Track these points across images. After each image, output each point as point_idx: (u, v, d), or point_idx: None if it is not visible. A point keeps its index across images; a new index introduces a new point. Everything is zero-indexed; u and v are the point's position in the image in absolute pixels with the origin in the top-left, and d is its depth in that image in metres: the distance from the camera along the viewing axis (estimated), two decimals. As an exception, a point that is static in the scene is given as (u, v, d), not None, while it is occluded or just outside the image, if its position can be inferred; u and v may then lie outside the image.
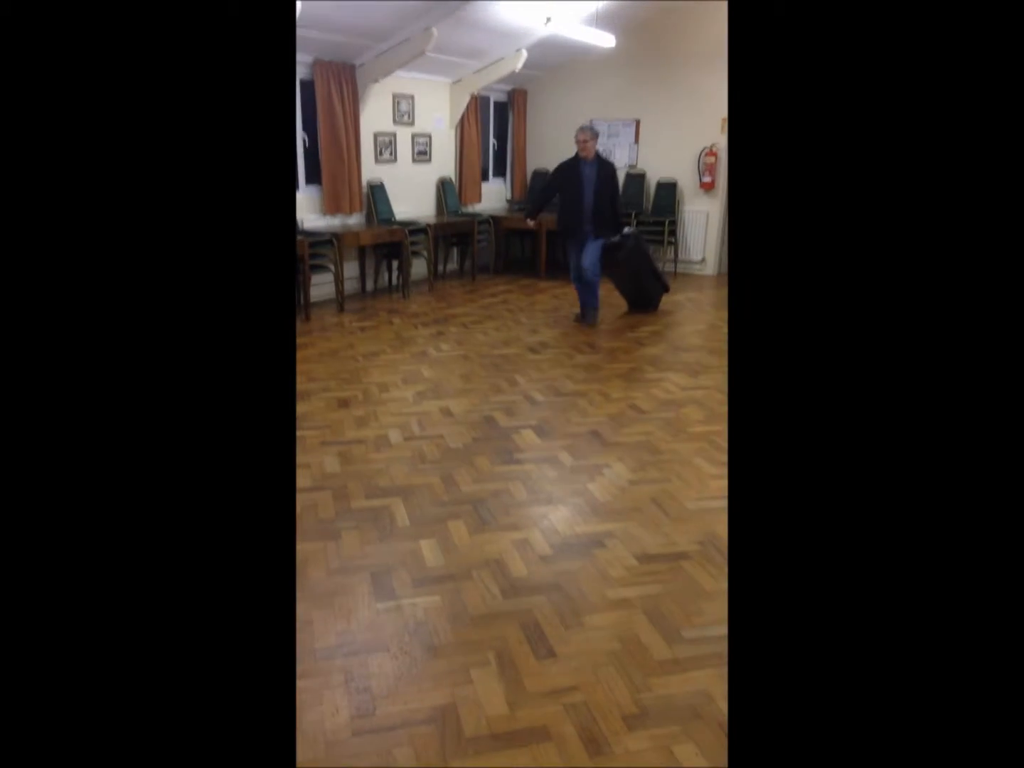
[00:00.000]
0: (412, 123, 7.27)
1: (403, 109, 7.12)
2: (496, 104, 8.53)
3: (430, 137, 7.53)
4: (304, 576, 2.32)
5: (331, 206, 6.40)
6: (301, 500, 2.84)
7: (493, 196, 8.61)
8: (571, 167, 5.42)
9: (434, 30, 5.88)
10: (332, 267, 6.05)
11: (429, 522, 2.70)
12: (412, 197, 7.39)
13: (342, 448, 3.37)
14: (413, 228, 6.75)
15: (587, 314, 5.77)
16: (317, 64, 6.00)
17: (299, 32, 5.08)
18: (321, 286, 6.32)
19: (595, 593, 2.27)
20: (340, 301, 6.22)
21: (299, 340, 5.24)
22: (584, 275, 5.57)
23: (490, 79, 7.41)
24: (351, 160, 6.44)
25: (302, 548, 2.49)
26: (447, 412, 3.87)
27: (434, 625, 2.10)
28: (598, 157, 5.41)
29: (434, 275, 7.32)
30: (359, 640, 2.03)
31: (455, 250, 8.05)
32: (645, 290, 6.15)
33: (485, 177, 8.52)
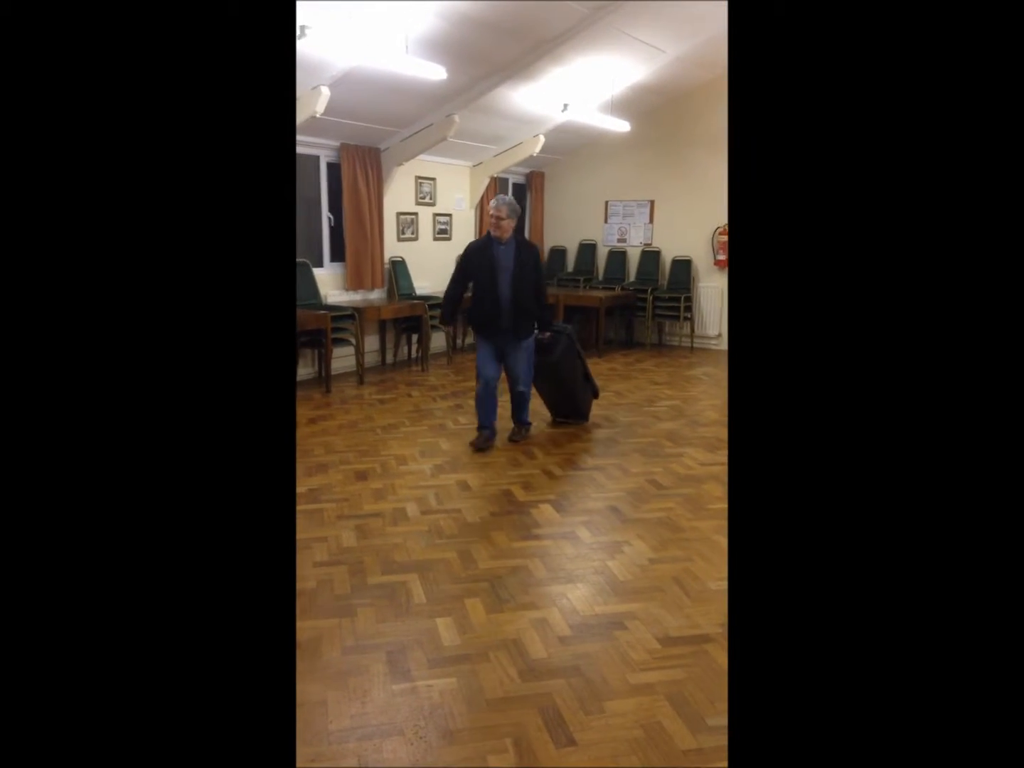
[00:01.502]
0: (434, 203, 7.52)
1: (425, 190, 7.38)
2: (515, 185, 8.82)
3: (451, 217, 7.78)
4: (318, 655, 2.27)
5: (354, 282, 6.57)
6: (317, 575, 2.81)
7: (511, 272, 8.80)
8: (482, 250, 4.31)
9: (456, 117, 6.16)
10: (353, 340, 6.17)
11: (446, 599, 2.65)
12: (432, 273, 7.58)
13: (359, 521, 3.35)
14: (433, 302, 6.89)
15: (483, 436, 4.51)
16: (344, 148, 6.27)
17: (328, 118, 5.34)
18: (342, 359, 6.42)
19: (616, 677, 2.20)
20: (360, 374, 6.30)
21: (319, 412, 5.29)
22: (514, 388, 4.51)
23: (509, 162, 7.70)
24: (374, 238, 6.64)
25: (317, 625, 2.45)
26: (464, 486, 3.85)
27: (450, 708, 2.03)
28: (516, 238, 4.30)
29: (453, 348, 7.42)
30: (373, 723, 1.97)
31: (473, 324, 8.17)
32: (575, 397, 4.94)
33: (503, 254, 8.73)
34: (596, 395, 5.12)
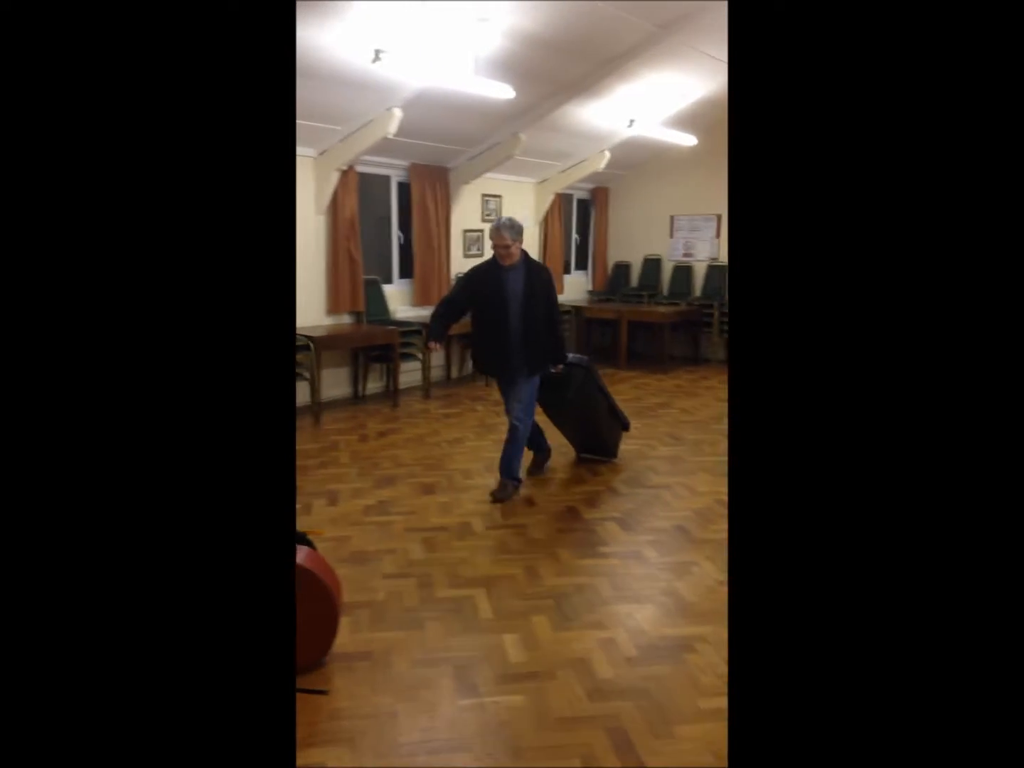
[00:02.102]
0: (499, 220, 7.61)
1: (491, 208, 7.48)
2: (579, 201, 8.85)
3: (516, 232, 7.85)
4: (389, 666, 2.31)
5: (421, 298, 6.70)
6: (387, 586, 2.87)
7: (575, 287, 8.81)
8: (487, 275, 3.71)
9: (522, 135, 6.23)
10: (420, 355, 6.28)
11: (512, 615, 2.66)
12: (497, 289, 7.65)
13: (426, 535, 3.40)
14: (497, 318, 6.97)
15: (540, 459, 4.31)
16: (413, 167, 6.42)
17: (399, 139, 5.48)
18: (409, 373, 6.53)
19: (686, 701, 2.16)
20: (426, 388, 6.41)
21: (388, 425, 5.40)
22: (511, 422, 3.91)
23: (574, 178, 7.73)
24: (441, 255, 6.76)
25: (387, 636, 2.49)
26: (529, 501, 3.86)
27: (518, 726, 2.04)
28: (526, 261, 3.71)
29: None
30: (442, 738, 1.99)
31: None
32: (600, 433, 4.48)
33: (567, 270, 8.75)
34: (626, 428, 4.62)
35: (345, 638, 2.44)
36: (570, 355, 4.13)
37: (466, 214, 7.18)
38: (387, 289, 6.55)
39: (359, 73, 4.60)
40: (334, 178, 5.65)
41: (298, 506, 3.72)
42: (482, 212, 7.39)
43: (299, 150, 5.54)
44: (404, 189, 6.57)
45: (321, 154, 5.66)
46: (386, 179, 6.51)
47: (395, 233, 6.69)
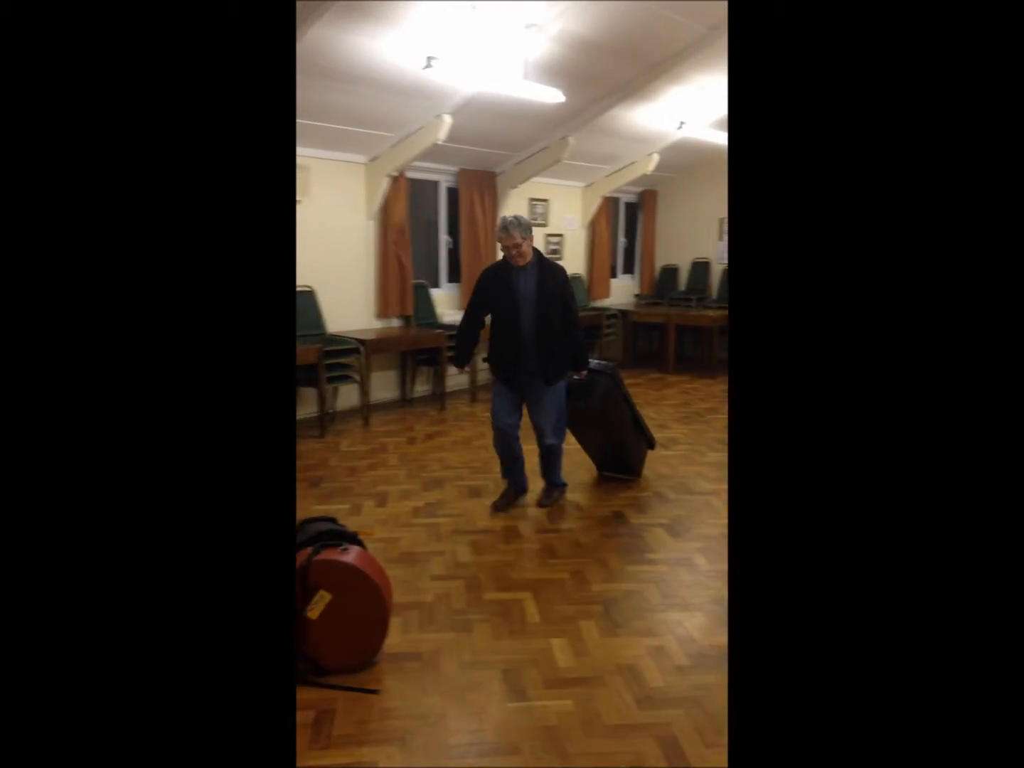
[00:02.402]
0: (546, 224, 7.62)
1: (538, 211, 7.49)
2: (627, 204, 8.80)
3: (562, 237, 7.85)
4: (438, 667, 2.33)
5: (468, 302, 6.74)
6: (434, 588, 2.89)
7: (621, 291, 8.76)
8: (499, 276, 3.53)
9: (571, 139, 6.23)
10: (466, 359, 6.32)
11: (559, 620, 2.66)
12: (543, 293, 7.65)
13: (474, 537, 3.42)
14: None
15: (511, 492, 3.81)
16: (462, 173, 6.48)
17: (448, 144, 5.54)
18: (456, 376, 6.58)
19: (738, 712, 2.12)
20: (473, 391, 6.45)
21: (435, 428, 5.45)
22: (541, 441, 3.72)
23: (621, 181, 7.69)
24: (487, 259, 6.79)
25: (436, 638, 2.51)
26: (576, 506, 3.85)
27: (567, 731, 2.03)
28: (539, 261, 3.51)
29: (562, 367, 7.45)
30: (491, 740, 2.00)
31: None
32: (624, 449, 4.12)
33: (614, 273, 8.71)
34: (651, 446, 4.30)
35: (395, 638, 2.47)
36: (593, 361, 3.89)
37: (513, 218, 7.20)
38: (435, 293, 6.61)
39: (410, 80, 4.67)
40: (384, 184, 5.74)
41: (348, 506, 3.78)
42: (529, 216, 7.40)
43: (350, 156, 5.64)
44: (452, 194, 6.63)
45: (372, 160, 5.75)
46: (435, 184, 6.58)
47: (443, 238, 6.75)
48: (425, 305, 6.44)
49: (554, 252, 7.78)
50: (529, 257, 3.46)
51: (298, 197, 5.25)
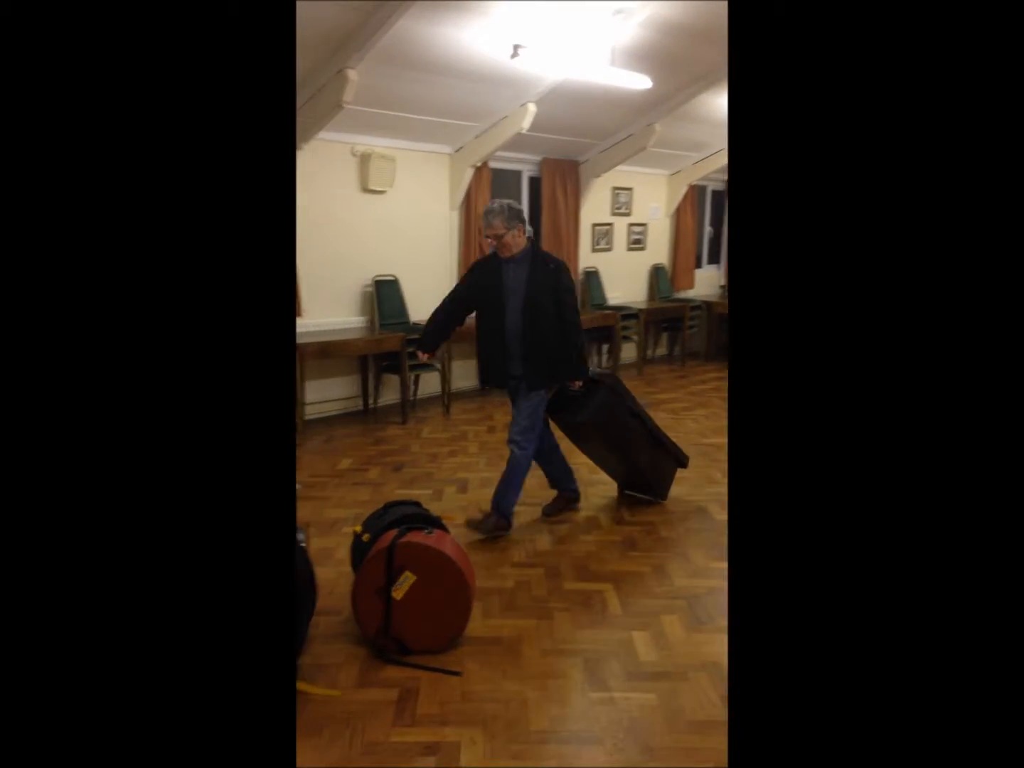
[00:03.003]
0: (629, 213, 7.50)
1: (621, 200, 7.39)
2: (713, 193, 8.56)
3: (646, 226, 7.71)
4: (519, 653, 2.34)
5: (548, 292, 6.72)
6: (515, 575, 2.90)
7: (706, 282, 8.55)
8: (487, 268, 3.21)
9: (656, 126, 6.10)
10: (546, 349, 6.31)
11: (642, 613, 2.62)
12: (625, 283, 7.55)
13: (553, 526, 3.41)
14: (625, 312, 6.89)
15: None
16: (545, 162, 6.45)
17: (532, 134, 5.52)
18: (534, 367, 6.58)
19: (829, 717, 2.04)
20: (551, 382, 6.43)
21: (514, 418, 5.46)
22: (512, 449, 3.27)
23: (709, 169, 7.49)
24: (569, 249, 6.75)
25: (517, 624, 2.52)
26: (658, 499, 3.79)
27: (650, 725, 2.00)
28: (533, 253, 3.14)
29: (643, 359, 7.34)
30: (573, 728, 1.99)
31: (665, 335, 8.05)
32: (638, 468, 3.60)
33: (699, 264, 8.51)
34: (682, 464, 3.76)
35: (477, 623, 2.49)
36: (594, 369, 3.44)
37: (595, 207, 7.13)
38: (516, 283, 6.62)
39: (496, 69, 4.67)
40: (468, 174, 5.78)
41: (430, 492, 3.84)
42: (612, 205, 7.32)
43: (435, 147, 5.71)
44: (534, 184, 6.61)
45: (456, 151, 5.80)
46: (517, 174, 6.58)
47: (527, 227, 6.74)
48: (506, 295, 6.45)
49: (637, 242, 7.67)
50: (516, 249, 3.08)
51: (384, 188, 5.36)
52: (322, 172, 5.04)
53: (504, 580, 2.86)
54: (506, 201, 3.09)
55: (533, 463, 3.37)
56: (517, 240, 3.07)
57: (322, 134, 4.77)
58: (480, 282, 3.20)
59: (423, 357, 3.39)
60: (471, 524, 3.23)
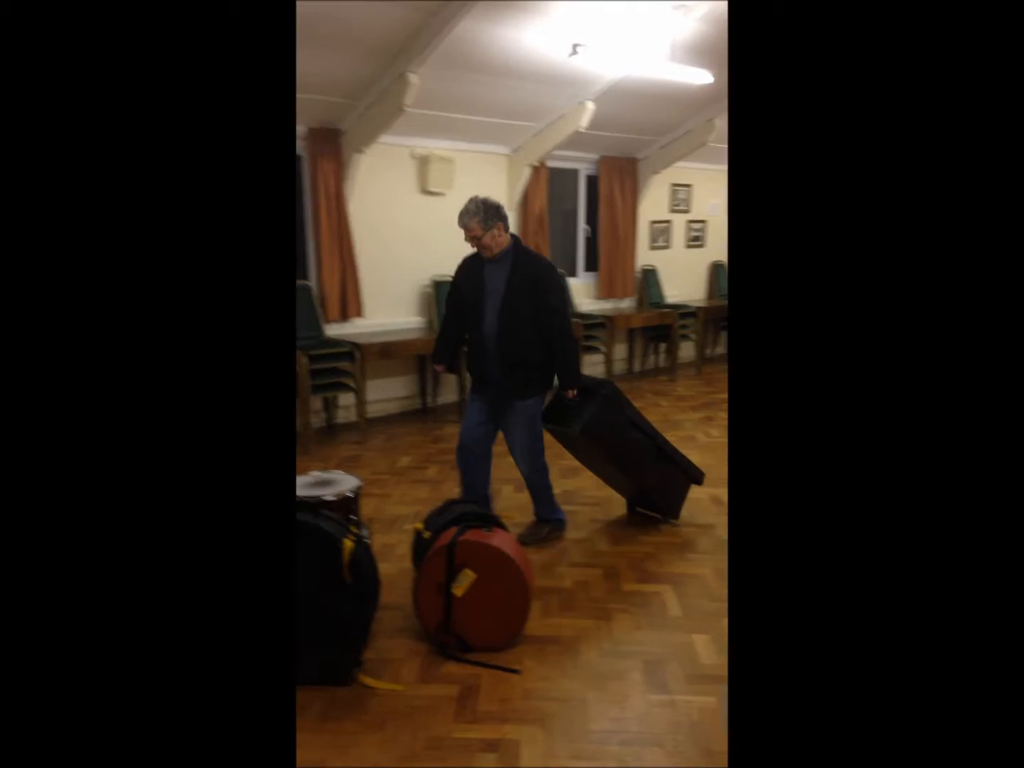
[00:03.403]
0: (688, 211, 7.40)
1: (680, 198, 7.30)
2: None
3: (705, 223, 7.60)
4: (578, 653, 2.35)
5: (605, 291, 6.69)
6: (573, 575, 2.91)
7: (767, 279, 8.37)
8: (468, 268, 3.08)
9: (716, 121, 6.01)
10: (603, 348, 6.28)
11: (702, 616, 2.60)
12: (683, 281, 7.46)
13: (611, 527, 3.40)
14: (683, 311, 6.80)
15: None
16: (603, 160, 6.42)
17: (590, 132, 5.50)
18: (593, 366, 6.56)
19: (899, 728, 1.99)
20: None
21: (570, 417, 5.46)
22: (522, 471, 3.20)
23: (770, 164, 7.32)
24: (627, 247, 6.71)
25: (576, 624, 2.53)
26: (717, 500, 3.74)
27: (710, 728, 1.99)
28: (515, 252, 2.94)
29: (702, 358, 7.24)
30: (633, 730, 1.99)
31: (724, 334, 7.92)
32: (644, 486, 3.37)
33: (759, 260, 8.33)
34: (697, 480, 3.48)
35: (536, 622, 2.51)
36: (591, 378, 3.24)
37: (654, 205, 7.06)
38: (572, 282, 6.61)
39: (555, 68, 4.67)
40: (526, 174, 5.80)
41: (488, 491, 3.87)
42: (670, 202, 7.23)
43: (494, 148, 5.74)
44: (592, 182, 6.59)
45: (515, 151, 5.82)
46: (574, 173, 6.57)
47: (581, 226, 6.73)
48: (563, 294, 6.45)
49: (696, 239, 7.56)
50: (497, 249, 2.91)
51: (443, 190, 5.42)
52: (382, 175, 5.13)
53: (562, 580, 2.87)
54: (481, 198, 2.92)
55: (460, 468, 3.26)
56: (498, 240, 2.90)
57: (382, 138, 4.85)
58: (463, 283, 3.08)
59: (439, 369, 3.31)
60: (523, 540, 3.10)
